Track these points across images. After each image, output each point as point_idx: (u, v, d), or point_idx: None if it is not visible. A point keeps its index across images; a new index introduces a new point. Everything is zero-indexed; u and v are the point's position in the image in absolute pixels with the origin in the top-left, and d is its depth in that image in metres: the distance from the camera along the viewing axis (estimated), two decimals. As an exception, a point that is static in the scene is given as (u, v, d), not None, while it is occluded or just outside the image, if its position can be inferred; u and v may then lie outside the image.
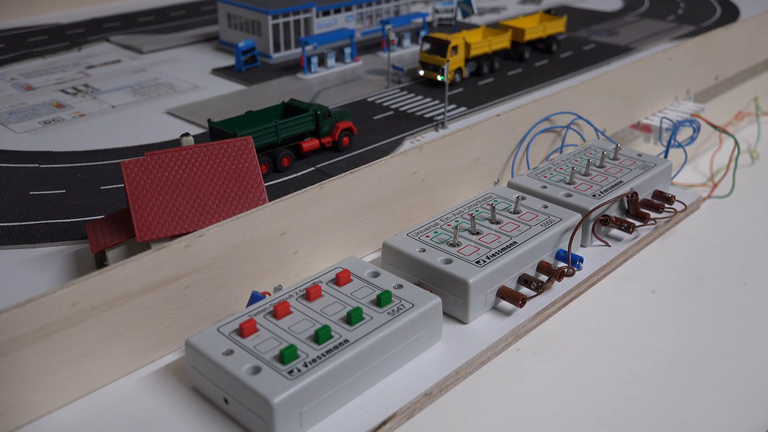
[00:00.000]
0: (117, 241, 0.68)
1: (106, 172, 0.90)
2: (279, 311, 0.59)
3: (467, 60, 1.21)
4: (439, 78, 1.15)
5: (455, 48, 1.16)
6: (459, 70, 1.19)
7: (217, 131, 0.87)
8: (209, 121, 0.89)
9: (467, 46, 1.19)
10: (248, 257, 0.66)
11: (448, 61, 1.08)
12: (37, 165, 0.91)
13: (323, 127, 0.92)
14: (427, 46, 1.19)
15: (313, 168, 0.90)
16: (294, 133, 0.89)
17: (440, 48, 1.16)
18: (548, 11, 1.61)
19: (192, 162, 0.69)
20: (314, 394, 0.54)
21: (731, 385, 0.88)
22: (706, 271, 1.10)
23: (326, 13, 1.38)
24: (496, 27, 1.34)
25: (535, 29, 1.31)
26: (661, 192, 0.86)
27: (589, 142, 0.94)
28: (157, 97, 1.15)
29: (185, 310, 0.62)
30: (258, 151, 0.86)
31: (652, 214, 0.82)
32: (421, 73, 1.18)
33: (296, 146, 0.91)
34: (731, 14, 1.60)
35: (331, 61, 1.26)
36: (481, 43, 1.22)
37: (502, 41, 1.26)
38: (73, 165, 0.92)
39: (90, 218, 0.78)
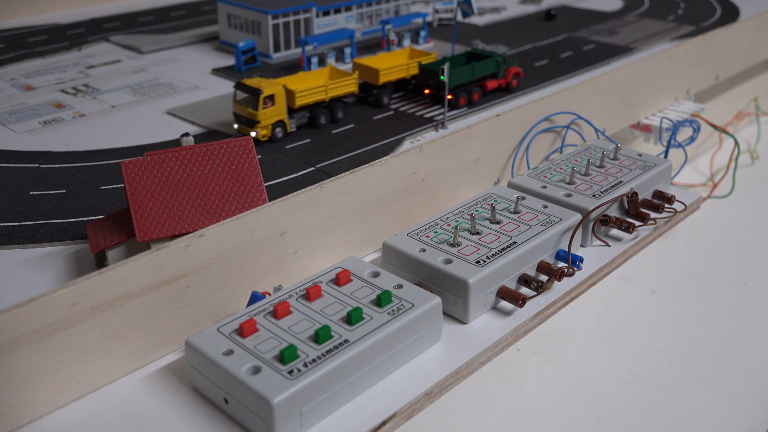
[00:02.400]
0: (117, 241, 0.68)
1: (106, 172, 0.90)
2: (279, 311, 0.59)
3: (293, 111, 1.00)
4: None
5: (271, 98, 0.96)
6: (280, 124, 0.97)
7: (427, 71, 1.09)
8: (419, 63, 1.11)
9: (290, 94, 0.99)
10: (248, 257, 0.66)
11: (448, 61, 1.07)
12: (37, 165, 0.91)
13: (500, 71, 1.13)
14: (240, 95, 0.99)
15: (313, 168, 0.90)
16: (484, 74, 1.11)
17: (253, 98, 0.96)
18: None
19: (192, 162, 0.69)
20: (314, 394, 0.54)
21: (731, 385, 0.88)
22: (706, 271, 1.10)
23: (326, 13, 1.38)
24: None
25: (394, 70, 1.10)
26: (661, 192, 0.86)
27: (589, 142, 0.94)
28: (157, 97, 1.15)
29: (185, 310, 0.62)
30: (457, 87, 1.08)
31: (652, 214, 0.82)
32: (235, 126, 0.99)
33: (482, 85, 1.12)
34: (731, 14, 1.60)
35: (331, 61, 1.26)
36: (312, 90, 1.00)
37: (345, 86, 1.04)
38: (73, 165, 0.92)
39: (90, 218, 0.78)
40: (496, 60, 1.13)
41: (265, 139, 0.96)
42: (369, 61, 1.14)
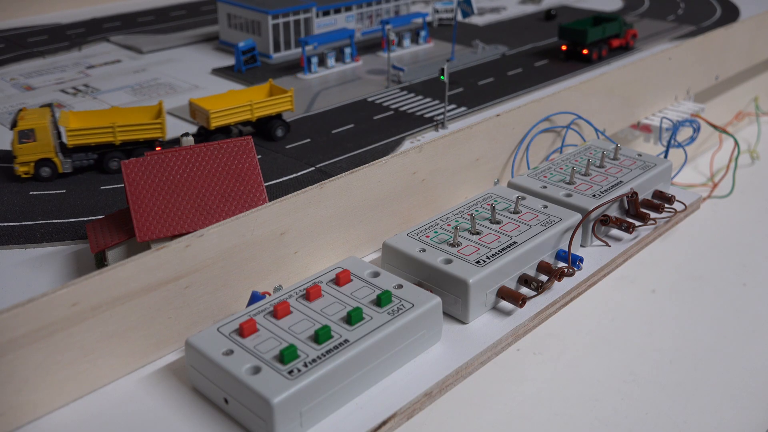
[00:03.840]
0: (117, 241, 0.68)
1: (106, 172, 0.90)
2: (279, 311, 0.59)
3: (70, 150, 0.88)
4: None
5: (32, 132, 0.84)
6: (47, 163, 0.85)
7: (566, 29, 1.29)
8: (560, 24, 1.32)
9: (57, 132, 0.87)
10: (248, 257, 0.66)
11: (448, 61, 1.07)
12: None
13: (622, 32, 1.34)
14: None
15: (313, 168, 0.90)
16: (610, 34, 1.31)
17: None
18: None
19: (192, 162, 0.69)
20: (314, 394, 0.54)
21: (731, 385, 0.88)
22: (706, 271, 1.10)
23: (326, 13, 1.38)
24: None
25: (232, 112, 0.94)
26: (661, 192, 0.86)
27: (589, 142, 0.94)
28: (157, 97, 1.15)
29: (185, 310, 0.62)
30: (591, 44, 1.28)
31: (652, 214, 0.82)
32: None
33: (609, 43, 1.32)
34: (731, 14, 1.60)
35: (331, 61, 1.26)
36: (94, 131, 0.87)
37: (145, 131, 0.89)
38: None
39: (90, 218, 0.78)
40: (620, 22, 1.32)
41: (28, 176, 0.86)
42: (205, 101, 0.96)
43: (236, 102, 0.96)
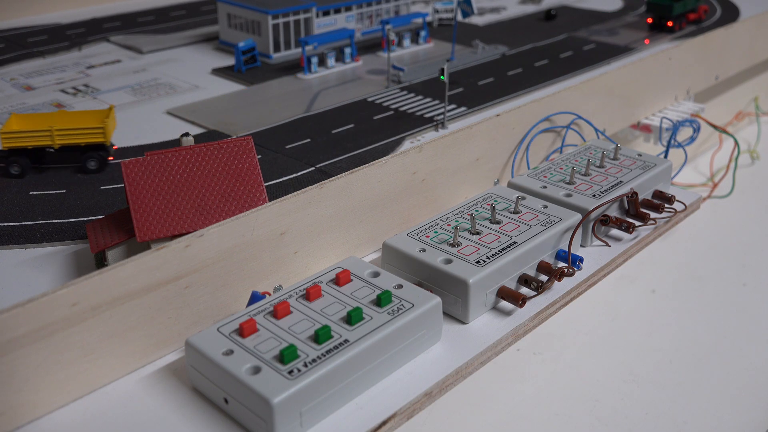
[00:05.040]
0: (117, 241, 0.68)
1: (106, 172, 0.90)
2: (279, 311, 0.59)
3: None
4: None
5: None
6: None
7: (653, 4, 1.47)
8: (648, 0, 1.48)
9: None
10: (248, 257, 0.66)
11: (448, 61, 1.07)
12: (38, 165, 0.91)
13: (696, 8, 1.51)
14: None
15: (313, 168, 0.90)
16: (689, 8, 1.49)
17: None
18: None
19: (192, 162, 0.69)
20: (314, 394, 0.54)
21: (731, 385, 0.88)
22: (706, 271, 1.10)
23: (326, 13, 1.38)
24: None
25: (29, 136, 0.87)
26: (661, 192, 0.86)
27: (589, 142, 0.94)
28: (157, 97, 1.15)
29: (185, 310, 0.62)
30: (675, 17, 1.45)
31: (652, 214, 0.82)
32: None
33: (687, 17, 1.49)
34: (731, 14, 1.60)
35: (331, 61, 1.26)
36: None
37: None
38: (73, 164, 0.92)
39: (90, 218, 0.78)
40: None
41: None
42: (22, 119, 0.90)
43: (43, 125, 0.89)
